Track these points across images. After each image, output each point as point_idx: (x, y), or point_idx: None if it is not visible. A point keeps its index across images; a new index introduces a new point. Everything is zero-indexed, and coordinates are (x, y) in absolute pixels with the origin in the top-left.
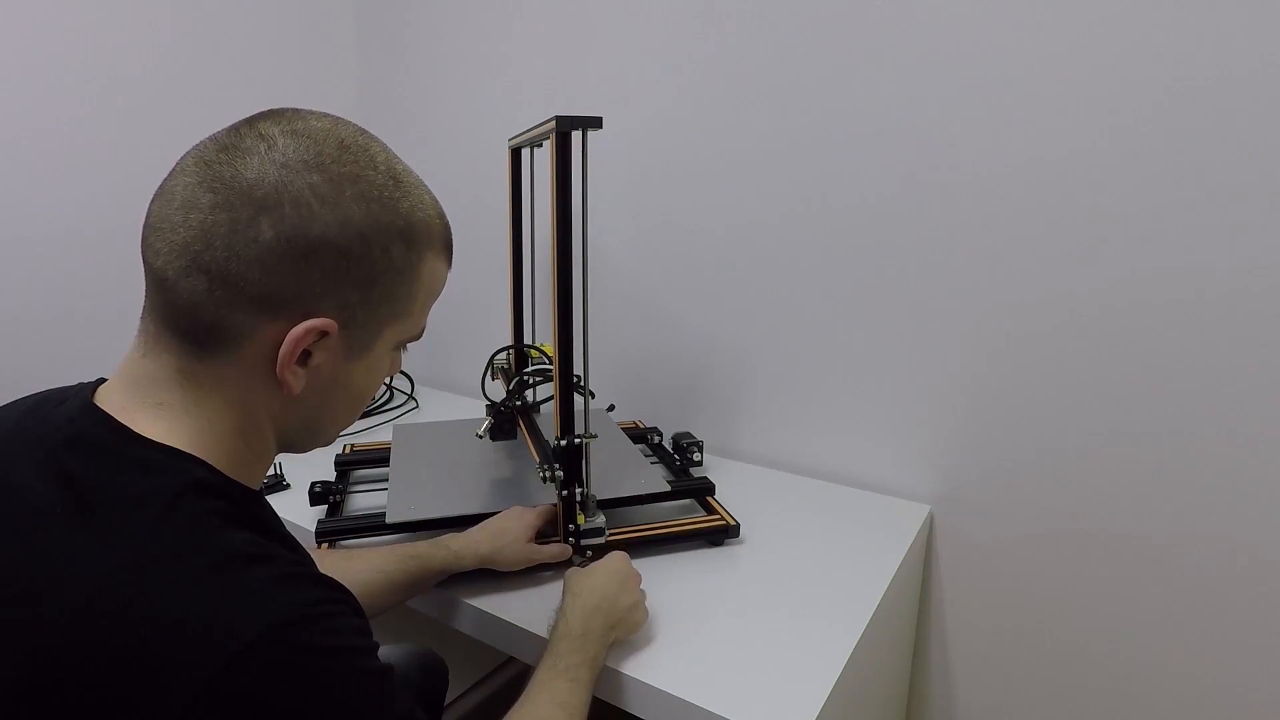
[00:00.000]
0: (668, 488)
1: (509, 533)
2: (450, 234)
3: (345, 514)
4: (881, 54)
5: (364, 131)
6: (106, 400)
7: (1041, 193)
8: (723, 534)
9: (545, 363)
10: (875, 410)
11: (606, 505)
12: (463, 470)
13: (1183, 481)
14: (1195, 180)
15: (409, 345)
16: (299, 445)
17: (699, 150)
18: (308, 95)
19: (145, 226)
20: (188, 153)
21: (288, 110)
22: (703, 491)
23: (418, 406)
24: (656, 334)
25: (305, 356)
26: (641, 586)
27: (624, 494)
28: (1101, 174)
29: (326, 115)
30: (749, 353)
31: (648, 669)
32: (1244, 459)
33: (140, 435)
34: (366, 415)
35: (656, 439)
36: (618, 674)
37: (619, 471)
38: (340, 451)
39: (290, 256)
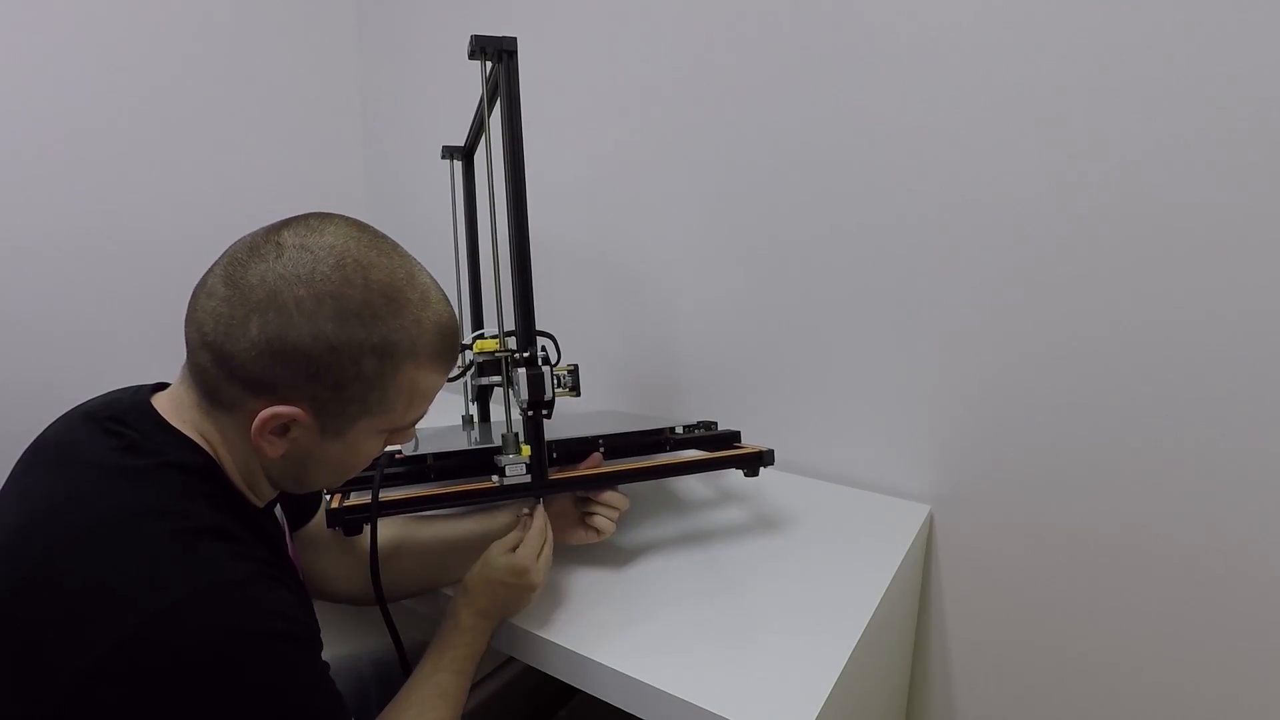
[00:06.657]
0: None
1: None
2: (450, 343)
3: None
4: (882, 63)
5: (378, 246)
6: (158, 403)
7: (1036, 200)
8: (757, 461)
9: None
10: (875, 411)
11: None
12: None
13: (1183, 484)
14: (1185, 188)
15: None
16: (292, 491)
17: (702, 156)
18: (308, 95)
19: (191, 295)
20: (231, 245)
21: (315, 219)
22: (727, 440)
23: None
24: (656, 335)
25: (285, 429)
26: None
27: (628, 429)
28: (1096, 182)
29: (349, 227)
30: (749, 354)
31: (648, 669)
32: (1243, 462)
33: (172, 425)
34: None
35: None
36: (618, 674)
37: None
38: None
39: (269, 353)
